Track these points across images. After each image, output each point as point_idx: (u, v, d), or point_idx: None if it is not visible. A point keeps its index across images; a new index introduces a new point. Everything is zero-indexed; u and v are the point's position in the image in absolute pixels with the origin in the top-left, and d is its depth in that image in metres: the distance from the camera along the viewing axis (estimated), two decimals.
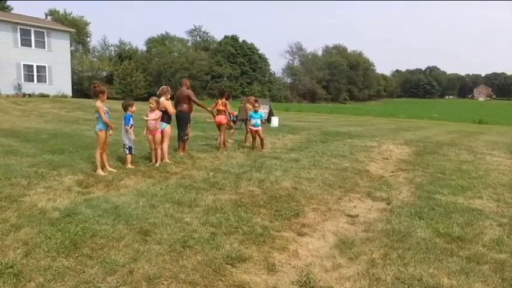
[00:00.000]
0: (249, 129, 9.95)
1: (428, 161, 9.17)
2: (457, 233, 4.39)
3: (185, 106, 8.39)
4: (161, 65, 51.06)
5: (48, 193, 5.06)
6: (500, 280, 3.32)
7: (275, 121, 17.64)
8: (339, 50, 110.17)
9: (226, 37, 73.71)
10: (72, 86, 34.00)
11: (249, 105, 10.43)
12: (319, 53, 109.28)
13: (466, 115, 40.64)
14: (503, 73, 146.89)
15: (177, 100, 8.50)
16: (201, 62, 57.94)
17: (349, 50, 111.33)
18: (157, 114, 7.20)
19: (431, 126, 24.25)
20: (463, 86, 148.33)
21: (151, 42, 60.90)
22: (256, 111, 9.64)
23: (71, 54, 35.74)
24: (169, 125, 7.64)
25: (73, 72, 36.38)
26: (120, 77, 43.35)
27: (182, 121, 8.49)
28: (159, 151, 7.21)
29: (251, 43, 77.01)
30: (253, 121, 9.54)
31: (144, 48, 60.58)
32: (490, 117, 38.22)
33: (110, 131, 6.47)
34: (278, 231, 4.21)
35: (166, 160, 7.41)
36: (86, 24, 50.53)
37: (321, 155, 9.23)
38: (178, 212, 4.52)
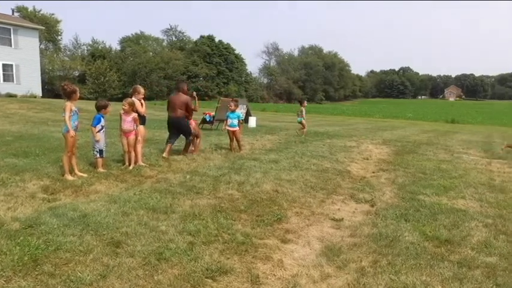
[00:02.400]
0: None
1: (408, 160, 9.14)
2: (444, 236, 4.26)
3: (180, 112, 7.94)
4: (136, 65, 49.97)
5: (8, 201, 4.61)
6: (494, 286, 3.18)
7: (253, 121, 17.41)
8: (315, 51, 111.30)
9: (202, 37, 73.10)
10: (43, 85, 32.69)
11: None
12: (295, 53, 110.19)
13: (439, 115, 41.67)
14: (471, 74, 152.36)
15: (171, 105, 8.02)
16: (176, 62, 57.14)
17: (324, 51, 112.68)
18: (134, 117, 6.83)
19: (407, 126, 24.63)
20: (434, 87, 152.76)
21: (125, 41, 59.55)
22: (233, 111, 9.36)
23: (41, 53, 34.35)
24: (142, 126, 7.27)
25: (43, 72, 35.01)
26: (93, 76, 42.07)
27: (176, 126, 8.09)
28: (132, 153, 6.82)
29: (227, 43, 76.75)
30: (229, 121, 9.26)
31: (118, 48, 59.24)
32: (461, 116, 39.34)
33: (71, 132, 5.91)
34: (261, 238, 3.95)
35: (141, 163, 7.03)
36: (57, 22, 48.74)
37: (300, 155, 9.04)
38: (153, 220, 4.19)
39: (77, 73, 46.24)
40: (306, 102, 15.23)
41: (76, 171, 6.15)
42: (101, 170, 6.51)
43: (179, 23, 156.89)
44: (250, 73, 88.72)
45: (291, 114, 35.68)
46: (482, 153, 11.57)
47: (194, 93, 8.65)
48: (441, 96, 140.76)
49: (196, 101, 8.48)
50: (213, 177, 6.37)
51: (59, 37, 50.54)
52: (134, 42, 58.34)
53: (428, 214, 5.11)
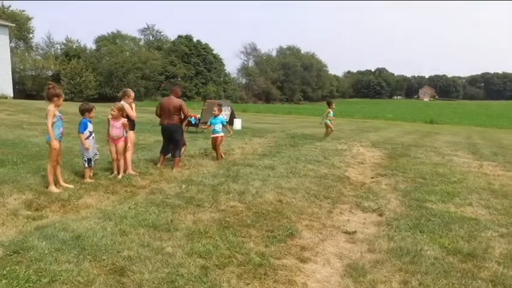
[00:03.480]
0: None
1: (404, 164, 9.00)
2: (466, 249, 4.05)
3: (176, 118, 7.26)
4: (112, 65, 48.52)
5: None
6: None
7: (238, 123, 17.01)
8: (293, 51, 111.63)
9: (180, 36, 71.95)
10: (13, 85, 31.17)
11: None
12: (274, 53, 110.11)
13: (417, 115, 42.40)
14: (444, 75, 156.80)
15: (164, 110, 7.26)
16: (154, 62, 55.94)
17: (302, 51, 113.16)
18: (124, 122, 6.35)
19: (389, 127, 24.80)
20: (409, 87, 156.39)
21: (101, 40, 57.72)
22: (215, 116, 8.64)
23: (11, 52, 32.78)
24: (132, 132, 6.80)
25: (14, 71, 33.40)
26: (68, 76, 40.48)
27: (171, 135, 7.32)
28: (121, 162, 6.34)
29: (205, 43, 75.86)
30: (211, 127, 8.62)
31: (94, 47, 57.37)
32: (438, 117, 40.09)
33: (54, 143, 5.34)
34: (278, 258, 3.61)
35: (130, 171, 6.56)
36: (28, 19, 46.65)
37: (295, 160, 8.75)
38: (156, 240, 3.78)
39: (50, 73, 44.38)
40: (334, 104, 14.12)
41: (61, 182, 5.64)
42: (88, 180, 6.01)
43: (156, 22, 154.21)
44: (229, 73, 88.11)
45: (272, 115, 35.49)
46: (471, 155, 11.62)
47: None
48: (416, 96, 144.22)
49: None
50: (211, 187, 5.99)
51: (31, 35, 48.42)
52: (110, 42, 56.62)
53: (440, 224, 4.92)
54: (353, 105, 76.43)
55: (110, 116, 6.37)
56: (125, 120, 6.43)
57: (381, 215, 5.32)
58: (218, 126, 8.54)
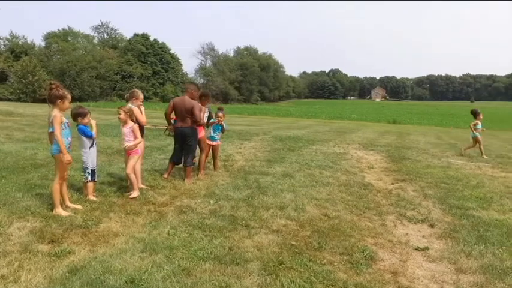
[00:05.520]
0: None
1: (413, 168, 8.76)
2: None
3: (190, 120, 6.38)
4: (64, 63, 45.41)
5: None
6: None
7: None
8: (250, 52, 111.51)
9: (136, 35, 69.19)
10: None
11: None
12: (231, 54, 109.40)
13: (378, 115, 43.68)
14: (393, 77, 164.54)
15: (177, 112, 6.43)
16: (109, 61, 53.26)
17: (259, 52, 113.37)
18: (133, 128, 5.44)
19: (360, 128, 25.07)
20: (362, 88, 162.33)
21: (51, 37, 53.78)
22: (218, 122, 7.32)
23: None
24: (142, 140, 5.89)
25: None
26: (18, 75, 37.08)
27: (185, 140, 6.45)
28: (132, 176, 5.38)
29: (163, 42, 73.71)
30: (210, 133, 7.36)
31: (43, 44, 53.43)
32: (397, 117, 41.56)
33: (66, 155, 4.36)
34: None
35: (141, 185, 5.67)
36: None
37: (307, 166, 8.22)
38: (231, 277, 3.05)
39: None
40: (482, 114, 11.82)
41: (67, 202, 4.68)
42: (91, 197, 5.07)
43: (110, 20, 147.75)
44: (186, 73, 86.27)
45: (237, 116, 34.80)
46: (460, 156, 11.73)
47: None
48: (368, 97, 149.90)
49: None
50: (242, 201, 5.28)
51: None
52: (61, 39, 52.88)
53: (503, 234, 4.65)
54: (311, 106, 77.71)
55: (121, 125, 5.44)
56: (134, 124, 5.53)
57: (432, 226, 4.95)
58: (218, 133, 7.62)
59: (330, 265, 3.43)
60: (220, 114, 7.39)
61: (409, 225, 4.97)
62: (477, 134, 11.34)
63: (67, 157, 4.32)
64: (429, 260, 3.84)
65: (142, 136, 5.97)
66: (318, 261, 3.46)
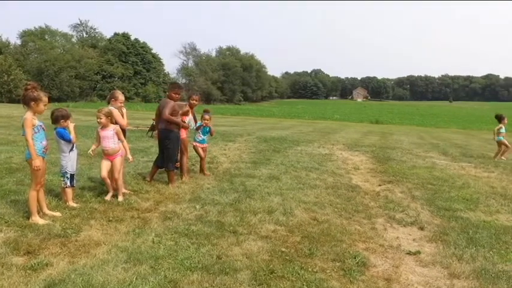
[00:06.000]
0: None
1: (399, 169, 8.77)
2: None
3: (166, 122, 6.05)
4: (42, 62, 44.21)
5: None
6: None
7: None
8: (232, 52, 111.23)
9: (116, 34, 67.99)
10: None
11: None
12: (213, 54, 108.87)
13: (360, 115, 44.13)
14: (374, 77, 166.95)
15: (158, 113, 6.24)
16: (89, 61, 52.15)
17: (242, 52, 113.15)
18: (115, 129, 5.22)
19: (343, 128, 25.25)
20: (344, 88, 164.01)
21: (27, 35, 52.19)
22: (206, 125, 7.31)
23: None
24: (124, 141, 5.66)
25: None
26: None
27: (162, 142, 6.18)
28: (120, 181, 5.20)
29: (143, 42, 72.74)
30: (200, 137, 7.31)
31: (18, 42, 51.84)
32: (380, 117, 42.09)
33: (36, 160, 4.09)
34: None
35: (124, 190, 5.45)
36: None
37: (293, 168, 8.13)
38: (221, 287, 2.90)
39: None
40: (506, 119, 11.80)
41: (45, 209, 4.43)
42: (71, 204, 4.83)
43: (89, 18, 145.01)
44: (168, 73, 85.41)
45: (221, 116, 34.57)
46: (443, 156, 11.89)
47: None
48: (350, 97, 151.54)
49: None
50: (230, 206, 5.13)
51: None
52: (38, 37, 51.38)
53: (491, 236, 4.66)
54: (293, 106, 78.05)
55: (98, 127, 5.21)
56: (116, 126, 5.31)
57: (421, 228, 4.92)
58: (207, 136, 7.49)
59: (323, 273, 3.32)
60: (206, 116, 7.32)
61: (399, 228, 4.92)
62: (501, 137, 11.54)
63: (35, 162, 4.06)
64: (422, 265, 3.78)
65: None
66: (309, 269, 3.34)
